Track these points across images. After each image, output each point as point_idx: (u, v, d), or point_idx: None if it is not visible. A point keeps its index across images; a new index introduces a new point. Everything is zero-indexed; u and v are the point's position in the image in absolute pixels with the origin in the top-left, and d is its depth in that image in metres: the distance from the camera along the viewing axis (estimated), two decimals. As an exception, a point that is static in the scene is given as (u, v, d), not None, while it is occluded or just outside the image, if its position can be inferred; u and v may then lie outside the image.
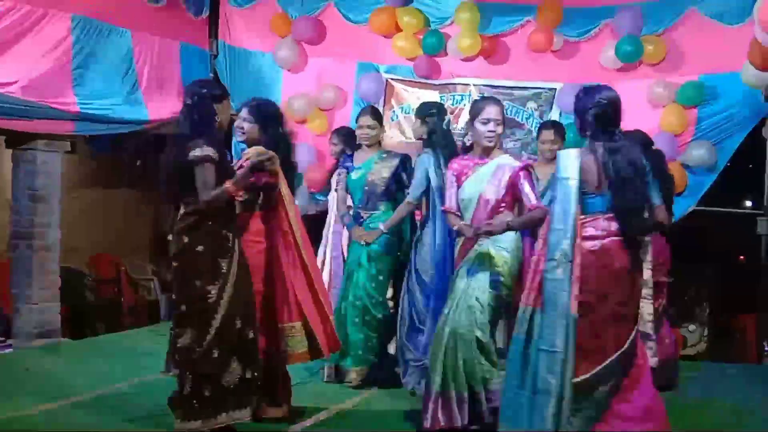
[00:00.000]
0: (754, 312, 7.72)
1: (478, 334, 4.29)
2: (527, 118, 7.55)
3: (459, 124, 7.65)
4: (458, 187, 4.58)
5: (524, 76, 7.62)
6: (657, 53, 7.16)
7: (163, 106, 7.46)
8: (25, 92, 6.10)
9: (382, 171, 5.72)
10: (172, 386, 5.43)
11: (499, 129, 4.52)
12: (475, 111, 4.57)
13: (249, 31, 8.27)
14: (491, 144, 4.53)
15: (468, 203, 4.51)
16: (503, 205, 4.46)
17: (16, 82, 6.04)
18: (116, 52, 7.00)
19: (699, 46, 7.05)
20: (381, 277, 5.62)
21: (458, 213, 4.56)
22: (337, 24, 8.02)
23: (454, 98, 7.72)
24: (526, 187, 4.40)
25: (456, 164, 4.68)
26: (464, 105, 7.68)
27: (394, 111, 7.84)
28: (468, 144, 4.68)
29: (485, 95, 4.35)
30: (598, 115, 3.93)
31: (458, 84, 7.76)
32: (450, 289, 4.51)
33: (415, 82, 7.86)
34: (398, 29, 7.77)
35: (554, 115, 7.40)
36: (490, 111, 4.49)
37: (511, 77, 7.65)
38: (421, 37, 7.73)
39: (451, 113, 7.56)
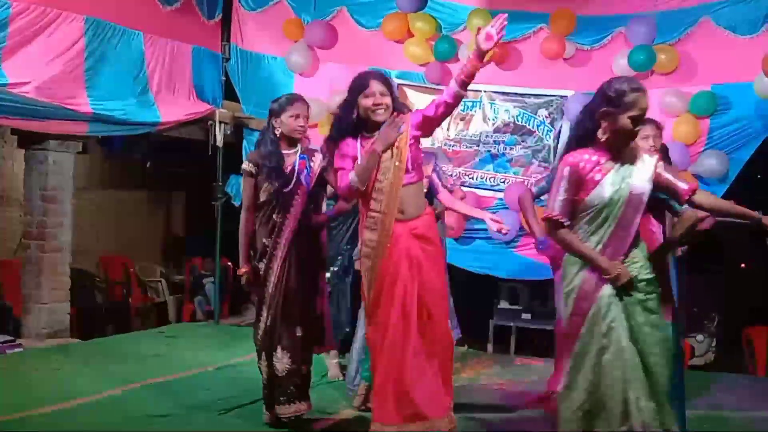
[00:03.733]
0: (763, 323, 7.68)
1: None
2: (538, 126, 7.54)
3: (470, 130, 7.66)
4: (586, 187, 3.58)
5: (536, 84, 7.60)
6: (670, 63, 7.14)
7: (174, 109, 7.49)
8: (39, 93, 6.13)
9: None
10: (180, 389, 5.48)
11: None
12: (631, 101, 3.52)
13: (261, 35, 8.30)
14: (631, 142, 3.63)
15: (614, 203, 3.56)
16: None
17: (29, 82, 6.07)
18: (128, 54, 7.04)
19: (712, 56, 7.02)
20: None
21: (566, 222, 3.59)
22: (350, 29, 8.03)
23: (465, 104, 7.71)
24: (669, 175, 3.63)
25: (577, 159, 3.61)
26: (475, 111, 7.69)
27: (405, 116, 7.83)
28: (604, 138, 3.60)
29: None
30: None
31: (469, 90, 7.68)
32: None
33: (427, 87, 7.85)
34: (410, 35, 7.78)
35: (564, 124, 7.40)
36: (645, 103, 3.53)
37: (523, 84, 7.63)
38: (433, 43, 7.74)
39: (462, 119, 7.57)
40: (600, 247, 3.55)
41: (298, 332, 4.54)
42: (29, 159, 7.30)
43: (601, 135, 3.56)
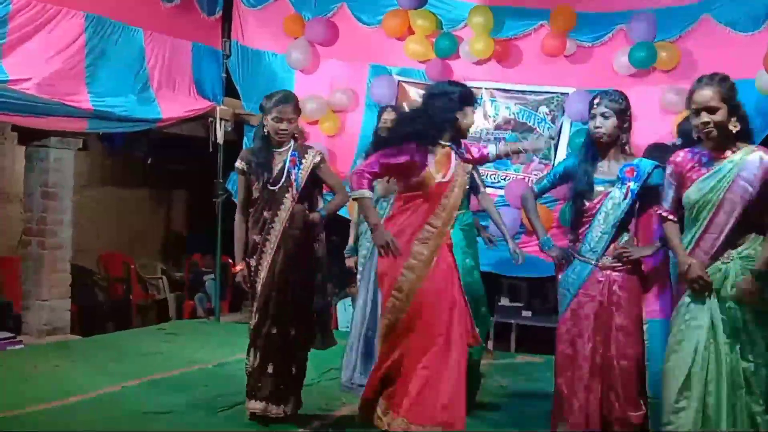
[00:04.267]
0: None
1: None
2: (539, 123, 7.53)
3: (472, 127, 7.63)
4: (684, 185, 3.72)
5: (537, 81, 7.60)
6: (670, 59, 7.12)
7: (175, 105, 7.48)
8: (39, 89, 6.12)
9: None
10: (179, 386, 5.48)
11: (717, 117, 3.55)
12: (688, 98, 3.69)
13: (262, 31, 8.30)
14: (711, 136, 3.61)
15: (705, 204, 3.64)
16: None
17: (30, 79, 6.06)
18: (128, 51, 7.03)
19: (712, 53, 7.00)
20: None
21: (675, 219, 3.80)
22: (350, 26, 8.02)
23: (465, 102, 7.69)
24: None
25: (681, 158, 3.77)
26: (476, 108, 7.65)
27: (405, 114, 7.80)
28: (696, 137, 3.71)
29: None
30: None
31: (470, 87, 7.71)
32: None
33: (428, 85, 7.82)
34: (411, 32, 7.77)
35: (565, 121, 7.39)
36: (699, 96, 3.60)
37: (524, 81, 7.63)
38: (434, 40, 7.73)
39: (463, 116, 7.54)
40: (692, 245, 3.67)
41: (276, 331, 4.53)
42: (30, 156, 7.30)
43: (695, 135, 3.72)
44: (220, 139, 8.04)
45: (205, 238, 9.09)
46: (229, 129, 8.16)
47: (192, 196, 11.33)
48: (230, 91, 8.36)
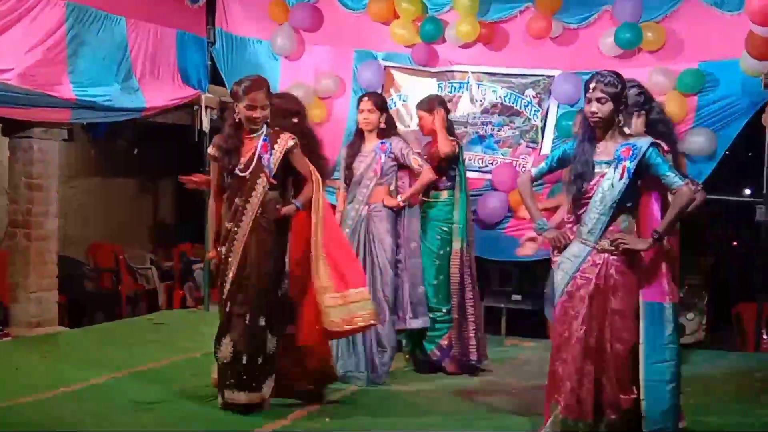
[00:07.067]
0: (752, 300, 7.70)
1: None
2: (526, 106, 7.51)
3: (458, 111, 7.62)
4: None
5: (523, 63, 7.56)
6: (656, 40, 7.11)
7: (159, 94, 7.43)
8: (21, 80, 6.06)
9: None
10: (167, 376, 5.47)
11: None
12: None
13: (246, 18, 8.23)
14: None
15: None
16: None
17: (11, 69, 6.00)
18: (111, 39, 6.94)
19: (698, 33, 7.00)
20: None
21: None
22: (335, 11, 7.98)
23: (452, 86, 7.68)
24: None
25: None
26: (462, 93, 7.65)
27: (392, 99, 7.77)
28: None
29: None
30: None
31: (456, 71, 7.72)
32: None
33: (413, 69, 7.82)
34: (396, 16, 7.72)
35: (552, 104, 7.38)
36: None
37: (510, 64, 7.59)
38: (419, 24, 7.69)
39: (450, 101, 7.53)
40: None
41: (248, 320, 4.49)
42: (14, 147, 7.24)
43: None
44: (205, 127, 8.00)
45: (193, 227, 9.05)
46: (215, 117, 8.11)
47: (179, 185, 11.25)
48: (215, 78, 8.30)
